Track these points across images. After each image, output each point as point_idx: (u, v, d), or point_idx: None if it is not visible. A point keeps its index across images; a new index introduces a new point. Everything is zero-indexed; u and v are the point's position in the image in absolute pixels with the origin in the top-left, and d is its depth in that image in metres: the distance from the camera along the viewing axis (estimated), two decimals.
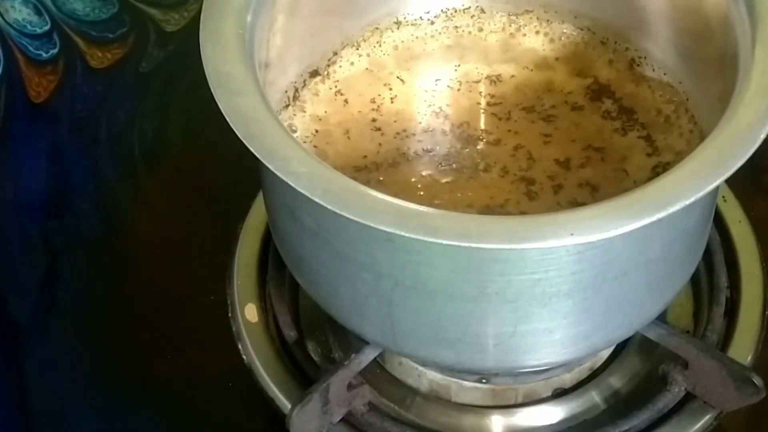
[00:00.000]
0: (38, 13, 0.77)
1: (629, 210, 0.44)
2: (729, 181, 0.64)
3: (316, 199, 0.44)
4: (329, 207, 0.44)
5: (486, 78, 0.61)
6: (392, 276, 0.48)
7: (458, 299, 0.48)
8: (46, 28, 0.77)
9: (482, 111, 0.60)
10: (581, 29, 0.62)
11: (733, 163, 0.45)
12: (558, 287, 0.47)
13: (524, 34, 0.63)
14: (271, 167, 0.45)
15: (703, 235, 0.55)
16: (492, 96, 0.60)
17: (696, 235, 0.53)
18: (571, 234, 0.43)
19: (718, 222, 0.64)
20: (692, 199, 0.44)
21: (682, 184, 0.44)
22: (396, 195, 0.46)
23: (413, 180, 0.56)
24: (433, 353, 0.52)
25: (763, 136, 0.45)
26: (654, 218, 0.43)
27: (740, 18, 0.51)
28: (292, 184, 0.45)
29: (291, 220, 0.51)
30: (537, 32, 0.62)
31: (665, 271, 0.51)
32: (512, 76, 0.61)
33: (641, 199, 0.44)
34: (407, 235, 0.43)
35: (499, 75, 0.61)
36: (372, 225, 0.43)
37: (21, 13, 0.77)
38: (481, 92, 0.61)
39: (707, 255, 0.62)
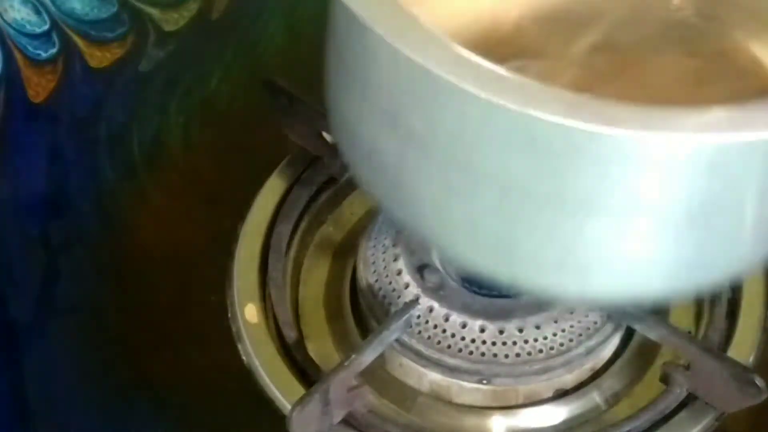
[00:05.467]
0: (37, 12, 0.77)
1: None
2: None
3: (467, 87, 0.36)
4: (487, 97, 0.36)
5: None
6: (522, 188, 0.41)
7: (604, 214, 0.42)
8: (45, 27, 0.77)
9: None
10: None
11: None
12: (722, 198, 0.42)
13: None
14: (410, 54, 0.38)
15: None
16: None
17: None
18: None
19: None
20: None
21: None
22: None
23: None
24: (556, 281, 0.46)
25: None
26: None
27: None
28: (447, 77, 0.37)
29: (389, 129, 0.43)
30: None
31: None
32: None
33: None
34: (582, 127, 0.37)
35: None
36: (539, 116, 0.37)
37: (20, 13, 0.77)
38: None
39: None
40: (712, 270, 0.47)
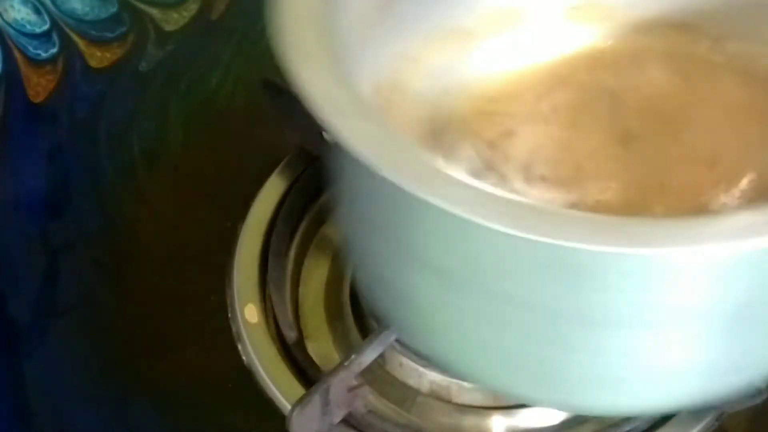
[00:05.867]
0: (37, 12, 0.77)
1: None
2: None
3: (496, 226, 0.36)
4: (518, 234, 0.35)
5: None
6: (552, 309, 0.41)
7: (643, 328, 0.41)
8: (45, 27, 0.77)
9: None
10: None
11: None
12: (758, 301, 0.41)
13: None
14: (441, 204, 0.37)
15: None
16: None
17: None
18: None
19: None
20: None
21: None
22: None
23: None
24: (586, 398, 0.46)
25: None
26: None
27: None
28: (481, 221, 0.36)
29: (415, 266, 0.43)
30: None
31: None
32: None
33: None
34: (610, 250, 0.36)
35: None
36: (568, 245, 0.36)
37: (20, 13, 0.77)
38: None
39: None
40: (749, 372, 0.46)
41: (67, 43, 0.76)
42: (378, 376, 0.59)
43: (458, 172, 0.39)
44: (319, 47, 0.43)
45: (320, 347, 0.61)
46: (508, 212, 0.37)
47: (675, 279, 0.40)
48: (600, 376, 0.43)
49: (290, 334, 0.61)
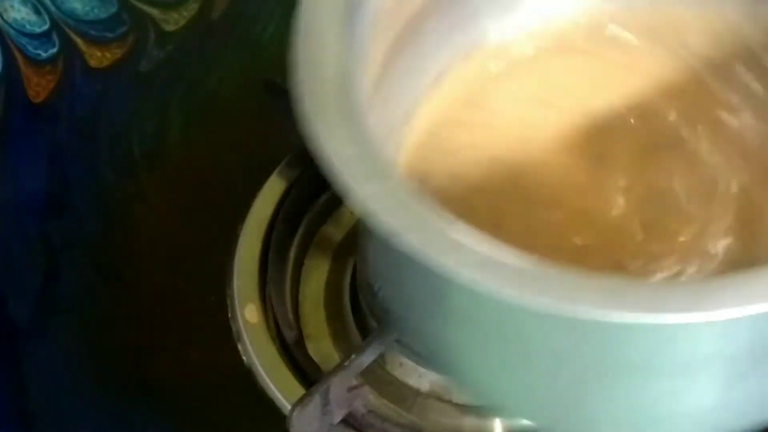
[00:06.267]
0: (37, 12, 0.77)
1: None
2: None
3: (510, 298, 0.36)
4: (529, 304, 0.36)
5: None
6: (583, 359, 0.41)
7: (662, 375, 0.42)
8: (45, 27, 0.77)
9: None
10: None
11: None
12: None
13: None
14: (454, 270, 0.38)
15: None
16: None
17: None
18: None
19: None
20: None
21: None
22: None
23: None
24: None
25: None
26: None
27: None
28: (488, 287, 0.37)
29: (436, 307, 0.43)
30: None
31: None
32: None
33: None
34: (632, 321, 0.36)
35: None
36: (584, 314, 0.36)
37: (20, 13, 0.77)
38: None
39: None
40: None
41: (67, 43, 0.76)
42: (378, 376, 0.59)
43: (471, 231, 0.39)
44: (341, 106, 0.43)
45: (320, 347, 0.61)
46: (516, 279, 0.38)
47: (685, 335, 0.40)
48: (641, 417, 0.44)
49: (290, 334, 0.61)
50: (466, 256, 0.38)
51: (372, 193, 0.40)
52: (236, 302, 0.62)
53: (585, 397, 0.43)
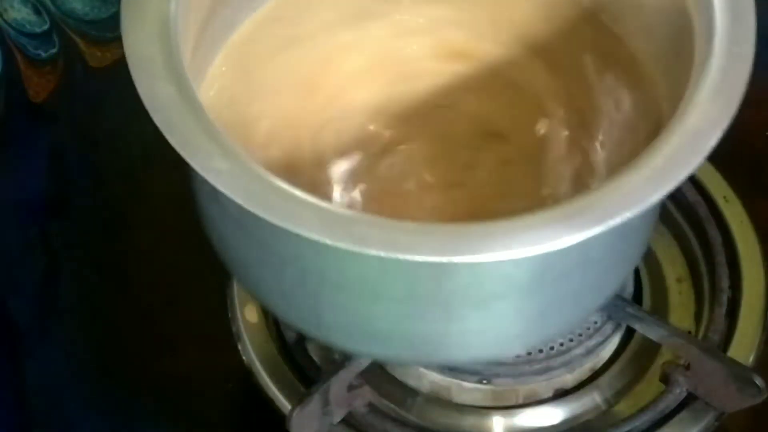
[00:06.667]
0: (37, 12, 0.77)
1: (568, 222, 0.41)
2: (731, 181, 0.65)
3: (238, 200, 0.42)
4: (250, 209, 0.42)
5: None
6: (318, 272, 0.47)
7: (386, 299, 0.47)
8: (45, 27, 0.77)
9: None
10: None
11: (681, 174, 0.42)
12: (491, 290, 0.46)
13: None
14: (190, 162, 0.43)
15: (648, 228, 0.52)
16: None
17: (641, 230, 0.51)
18: (505, 248, 0.41)
19: (720, 222, 0.64)
20: (635, 213, 0.41)
21: (626, 195, 0.42)
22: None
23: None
24: (362, 348, 0.51)
25: (712, 144, 0.43)
26: (593, 233, 0.41)
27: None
28: (213, 183, 0.43)
29: (216, 207, 0.50)
30: None
31: (605, 269, 0.49)
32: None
33: (582, 210, 0.42)
34: (333, 244, 0.41)
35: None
36: (295, 231, 0.41)
37: (20, 13, 0.77)
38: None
39: (709, 255, 0.62)
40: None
41: (67, 43, 0.76)
42: (378, 376, 0.59)
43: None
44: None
45: (320, 347, 0.61)
46: (265, 196, 0.42)
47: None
48: (366, 332, 0.49)
49: (290, 334, 0.61)
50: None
51: (157, 91, 0.46)
52: (236, 302, 0.62)
53: (324, 306, 0.48)
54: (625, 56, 0.54)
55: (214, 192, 0.43)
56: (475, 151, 0.54)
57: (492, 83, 0.56)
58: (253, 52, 0.56)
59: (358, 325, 0.49)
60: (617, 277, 0.52)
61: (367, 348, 0.51)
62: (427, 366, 0.58)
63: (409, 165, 0.54)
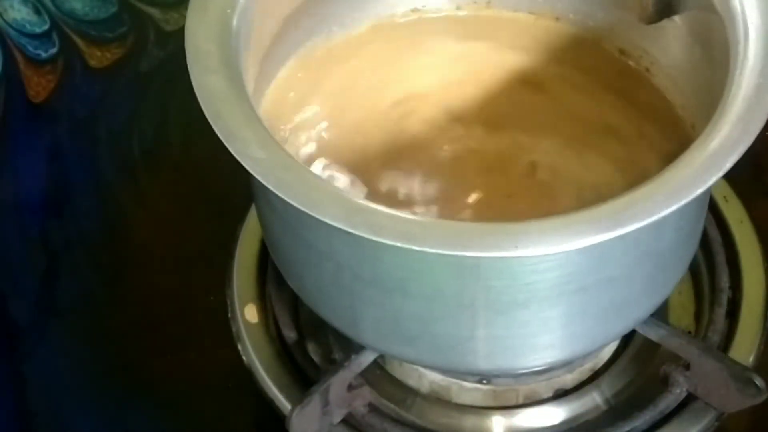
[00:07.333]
0: (37, 12, 0.77)
1: (579, 226, 0.43)
2: (731, 181, 0.65)
3: (269, 186, 0.44)
4: (279, 194, 0.44)
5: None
6: (351, 268, 0.49)
7: (415, 297, 0.49)
8: (45, 27, 0.77)
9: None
10: None
11: (696, 188, 0.44)
12: (513, 296, 0.47)
13: None
14: (230, 148, 0.46)
15: (680, 256, 0.53)
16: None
17: (670, 256, 0.52)
18: (516, 246, 0.43)
19: (720, 222, 0.64)
20: (647, 222, 0.43)
21: (641, 204, 0.43)
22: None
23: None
24: (393, 347, 0.53)
25: (729, 165, 0.44)
26: (601, 238, 0.43)
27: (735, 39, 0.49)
28: (248, 168, 0.45)
29: (267, 208, 0.53)
30: None
31: (630, 290, 0.50)
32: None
33: (596, 215, 0.43)
34: (350, 230, 0.43)
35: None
36: (316, 216, 0.44)
37: (20, 13, 0.77)
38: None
39: (709, 255, 0.62)
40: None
41: (67, 43, 0.76)
42: (378, 376, 0.59)
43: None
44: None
45: (320, 347, 0.61)
46: (295, 184, 0.45)
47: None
48: (397, 332, 0.51)
49: (290, 335, 0.61)
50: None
51: (209, 83, 0.48)
52: (236, 302, 0.62)
53: (358, 303, 0.51)
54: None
55: (265, 191, 0.46)
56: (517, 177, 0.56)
57: None
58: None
59: (389, 322, 0.51)
60: (645, 302, 0.53)
61: (398, 349, 0.53)
62: (440, 369, 0.58)
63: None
